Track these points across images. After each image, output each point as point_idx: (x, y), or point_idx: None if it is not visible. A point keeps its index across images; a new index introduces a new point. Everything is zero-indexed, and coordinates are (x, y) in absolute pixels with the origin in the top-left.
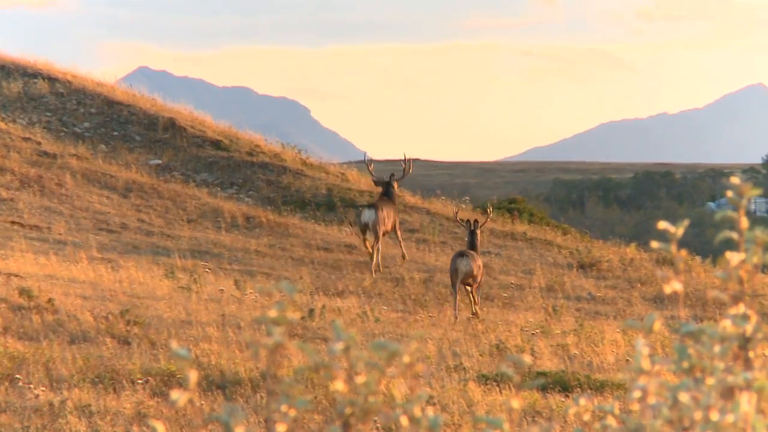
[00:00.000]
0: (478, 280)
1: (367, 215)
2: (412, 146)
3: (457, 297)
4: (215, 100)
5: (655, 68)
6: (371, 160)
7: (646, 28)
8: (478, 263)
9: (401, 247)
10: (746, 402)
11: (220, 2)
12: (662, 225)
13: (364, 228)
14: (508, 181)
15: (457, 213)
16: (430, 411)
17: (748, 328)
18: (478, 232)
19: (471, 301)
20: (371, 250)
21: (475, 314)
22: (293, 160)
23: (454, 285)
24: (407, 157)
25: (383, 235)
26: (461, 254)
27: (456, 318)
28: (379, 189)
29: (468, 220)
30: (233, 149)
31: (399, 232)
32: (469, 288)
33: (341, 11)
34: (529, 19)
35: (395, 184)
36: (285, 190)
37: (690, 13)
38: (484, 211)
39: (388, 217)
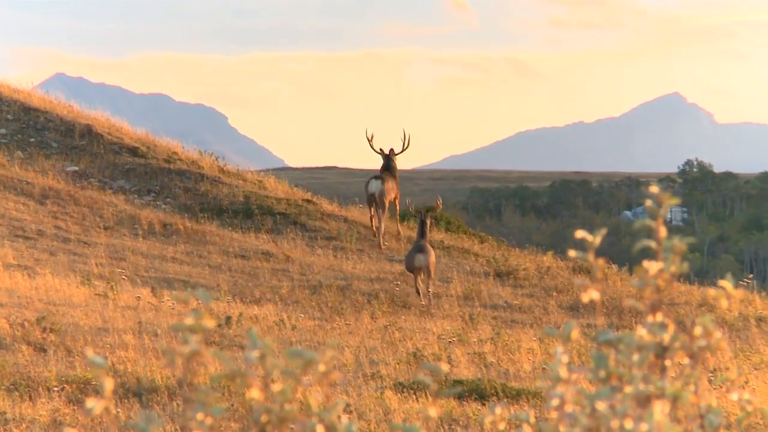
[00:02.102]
0: (432, 273)
1: (374, 185)
2: (330, 153)
3: (418, 283)
4: (133, 107)
5: (571, 77)
6: (372, 135)
7: (561, 36)
8: (432, 259)
9: (398, 222)
10: (659, 411)
11: (136, 9)
12: (580, 234)
13: (371, 199)
14: (426, 189)
15: (409, 203)
16: (346, 419)
17: (666, 337)
18: (428, 221)
19: (424, 289)
20: (375, 227)
21: (429, 300)
22: (211, 168)
23: (410, 271)
24: (405, 133)
25: (387, 205)
26: (419, 249)
27: (422, 299)
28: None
29: (420, 210)
30: (150, 156)
31: (398, 206)
32: (422, 278)
33: (256, 18)
34: (444, 27)
35: (394, 159)
36: (202, 197)
37: (603, 21)
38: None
39: (392, 188)
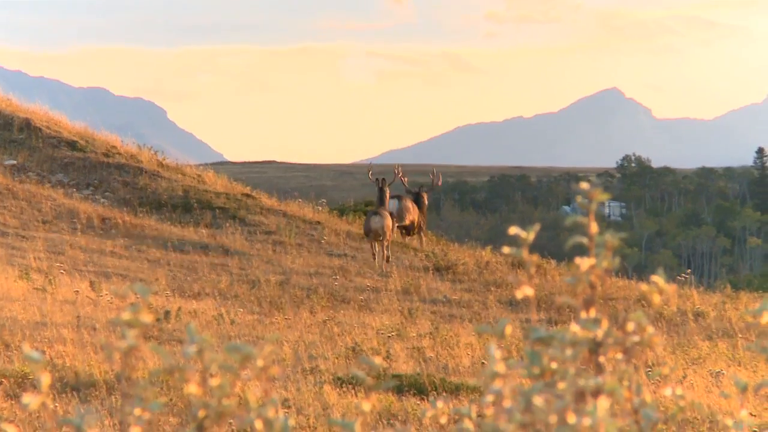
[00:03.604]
0: (388, 236)
1: (376, 222)
2: (269, 148)
3: (375, 248)
4: (71, 101)
5: (509, 71)
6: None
7: (498, 31)
8: (387, 222)
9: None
10: (601, 406)
11: (76, 1)
12: (513, 230)
13: (372, 234)
14: (365, 184)
15: (369, 171)
16: (283, 414)
17: (599, 333)
18: (386, 189)
19: (381, 254)
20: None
21: (383, 264)
22: (150, 162)
23: (367, 238)
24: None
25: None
26: (374, 213)
27: (376, 264)
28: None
29: (377, 178)
30: (89, 150)
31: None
32: (378, 243)
33: (194, 12)
34: (380, 21)
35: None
36: (141, 191)
37: (539, 16)
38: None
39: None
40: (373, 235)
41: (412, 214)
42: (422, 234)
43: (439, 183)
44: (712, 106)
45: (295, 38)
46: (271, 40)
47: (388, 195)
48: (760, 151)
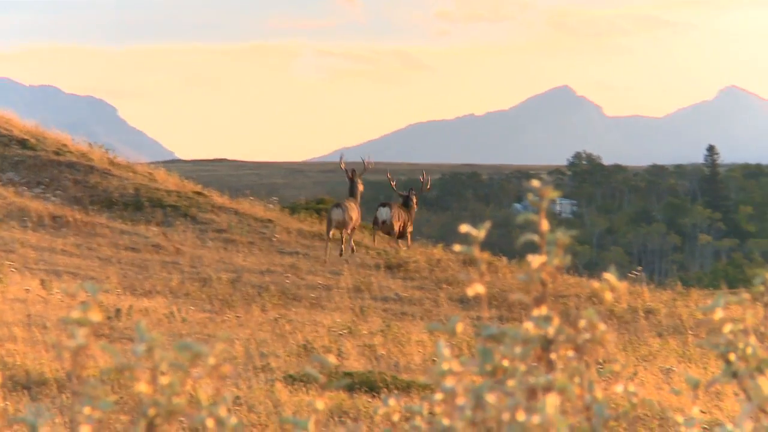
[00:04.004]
0: (350, 226)
1: (337, 213)
2: (220, 146)
3: (329, 243)
4: (22, 99)
5: (460, 69)
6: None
7: (448, 29)
8: (350, 214)
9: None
10: (551, 404)
11: None
12: (464, 228)
13: (334, 224)
14: (317, 182)
15: (341, 160)
16: (236, 412)
17: (551, 330)
18: (358, 180)
19: (342, 242)
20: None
21: (341, 253)
22: (100, 160)
23: (328, 231)
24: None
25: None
26: (337, 205)
27: (326, 261)
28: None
29: (347, 169)
30: (40, 148)
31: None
32: (341, 233)
33: (143, 10)
34: (331, 19)
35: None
36: (92, 189)
37: (490, 14)
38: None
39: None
40: (335, 225)
41: (401, 220)
42: (408, 234)
43: (429, 187)
44: (663, 104)
45: (246, 37)
46: (221, 39)
47: (359, 186)
48: (711, 148)
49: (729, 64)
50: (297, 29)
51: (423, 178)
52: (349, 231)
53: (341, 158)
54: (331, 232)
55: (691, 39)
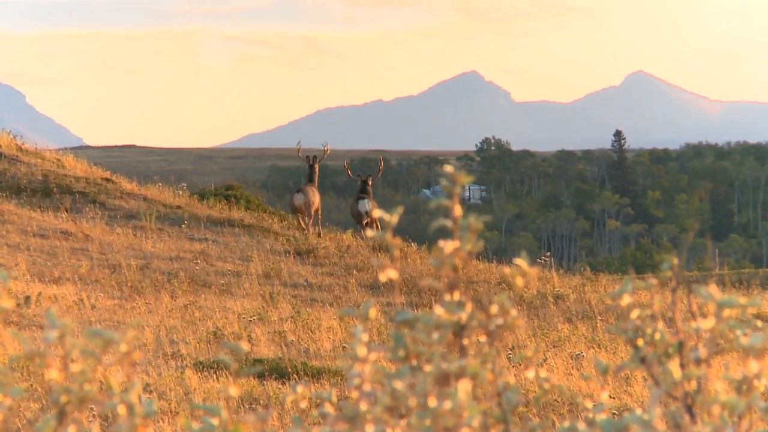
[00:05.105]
0: (311, 212)
1: (298, 198)
2: (129, 132)
3: (300, 221)
4: None
5: (368, 55)
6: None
7: (356, 14)
8: (309, 199)
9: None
10: (463, 390)
11: None
12: (377, 213)
13: (296, 210)
14: (226, 168)
15: (299, 146)
16: (146, 398)
17: (463, 316)
18: (317, 166)
19: (308, 227)
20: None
21: (306, 233)
22: (8, 146)
23: (294, 214)
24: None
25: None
26: (298, 190)
27: (308, 235)
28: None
29: (308, 156)
30: None
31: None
32: (301, 217)
33: None
34: (236, 4)
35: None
36: (0, 176)
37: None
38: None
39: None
40: (295, 210)
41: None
42: (377, 222)
43: (380, 173)
44: (571, 90)
45: (151, 22)
46: (126, 24)
47: (317, 172)
48: (618, 133)
49: (636, 50)
50: (203, 14)
51: (380, 162)
52: (311, 215)
53: (298, 144)
54: (297, 218)
55: (599, 24)
